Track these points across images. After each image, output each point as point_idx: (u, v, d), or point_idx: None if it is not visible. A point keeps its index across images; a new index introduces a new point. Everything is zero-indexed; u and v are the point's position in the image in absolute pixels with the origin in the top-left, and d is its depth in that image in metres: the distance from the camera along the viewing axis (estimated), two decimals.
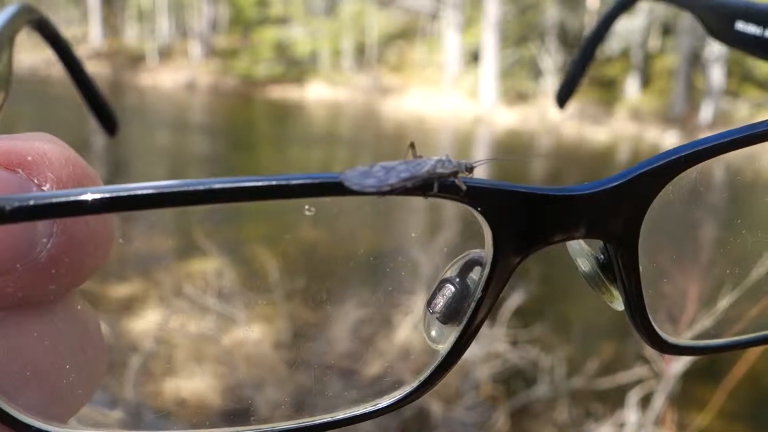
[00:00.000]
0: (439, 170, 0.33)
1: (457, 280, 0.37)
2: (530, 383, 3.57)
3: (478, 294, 0.36)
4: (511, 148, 15.28)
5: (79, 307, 0.32)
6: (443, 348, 0.37)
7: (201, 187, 0.27)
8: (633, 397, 3.07)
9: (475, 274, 0.37)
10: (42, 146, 0.30)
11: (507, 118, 18.13)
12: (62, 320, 0.31)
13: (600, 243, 0.39)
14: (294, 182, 0.29)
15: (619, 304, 0.40)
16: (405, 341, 3.41)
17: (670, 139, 15.89)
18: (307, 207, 0.31)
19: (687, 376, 3.09)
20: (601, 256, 0.40)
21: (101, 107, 0.76)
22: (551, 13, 20.54)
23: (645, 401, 3.08)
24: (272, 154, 12.74)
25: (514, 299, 3.69)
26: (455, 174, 0.34)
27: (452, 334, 0.37)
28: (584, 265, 0.40)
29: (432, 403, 3.30)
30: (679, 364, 2.92)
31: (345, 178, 0.30)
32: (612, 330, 4.45)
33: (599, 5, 20.22)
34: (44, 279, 0.29)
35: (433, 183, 0.33)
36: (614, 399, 3.24)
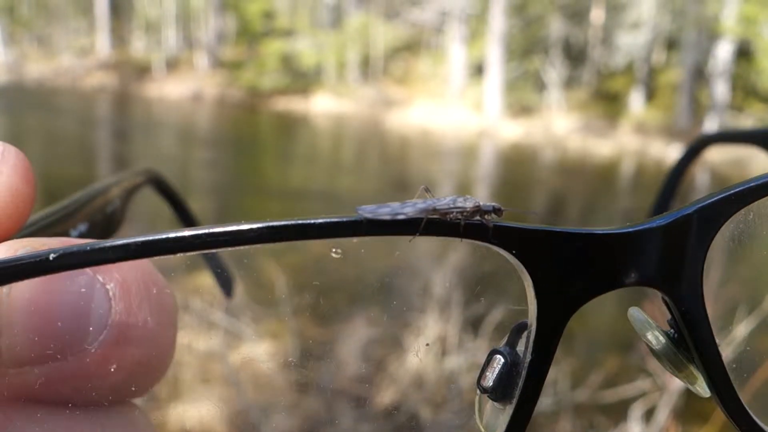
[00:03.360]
0: (459, 204, 0.32)
1: (507, 349, 0.34)
2: None
3: (528, 357, 0.32)
4: (517, 162, 15.29)
5: (135, 418, 0.31)
6: None
7: (228, 229, 0.28)
8: (636, 410, 3.07)
9: (524, 340, 0.34)
10: None
11: (511, 131, 18.16)
12: (113, 426, 0.30)
13: (668, 316, 0.34)
14: (316, 222, 0.29)
15: (703, 387, 0.34)
16: (417, 367, 3.40)
17: (674, 153, 15.90)
18: (333, 250, 0.30)
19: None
20: (671, 331, 0.35)
21: (219, 267, 0.75)
22: (556, 27, 20.63)
23: (649, 414, 3.07)
24: (278, 172, 12.72)
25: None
26: (478, 209, 0.32)
27: (506, 413, 0.33)
28: (655, 341, 0.35)
29: (422, 409, 3.30)
30: None
31: (360, 208, 0.31)
32: (615, 342, 4.45)
33: (604, 20, 20.29)
34: (96, 376, 0.28)
35: (452, 217, 0.31)
36: (618, 412, 3.23)
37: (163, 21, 27.82)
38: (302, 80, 23.42)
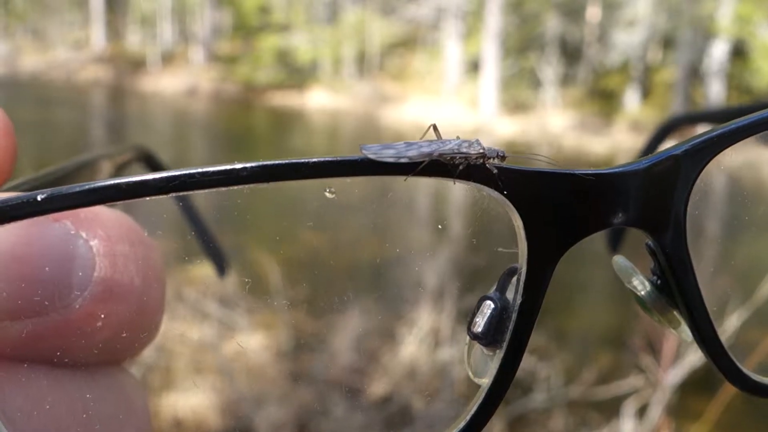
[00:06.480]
0: (465, 150, 0.32)
1: (497, 294, 0.33)
2: (527, 392, 3.58)
3: (518, 299, 0.32)
4: (511, 159, 15.28)
5: (125, 381, 0.31)
6: (486, 381, 0.33)
7: (221, 168, 0.28)
8: (629, 407, 3.08)
9: (514, 284, 0.33)
10: (98, 208, 0.29)
11: (507, 128, 18.16)
12: (100, 388, 0.29)
13: (651, 264, 0.35)
14: (315, 161, 0.29)
15: (686, 332, 0.35)
16: (411, 357, 3.40)
17: None
18: (327, 189, 0.30)
19: (683, 386, 3.09)
20: (654, 277, 0.35)
21: (214, 250, 0.77)
22: (552, 25, 20.62)
23: (642, 411, 3.08)
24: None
25: None
26: (483, 157, 0.32)
27: (496, 359, 0.33)
28: (640, 285, 0.35)
29: (413, 399, 3.30)
30: (676, 375, 2.93)
31: (364, 147, 0.30)
32: (608, 339, 4.46)
33: (600, 18, 20.31)
34: (81, 334, 0.28)
35: (456, 162, 0.31)
36: (610, 409, 3.24)
37: (159, 15, 27.68)
38: (298, 75, 23.35)
